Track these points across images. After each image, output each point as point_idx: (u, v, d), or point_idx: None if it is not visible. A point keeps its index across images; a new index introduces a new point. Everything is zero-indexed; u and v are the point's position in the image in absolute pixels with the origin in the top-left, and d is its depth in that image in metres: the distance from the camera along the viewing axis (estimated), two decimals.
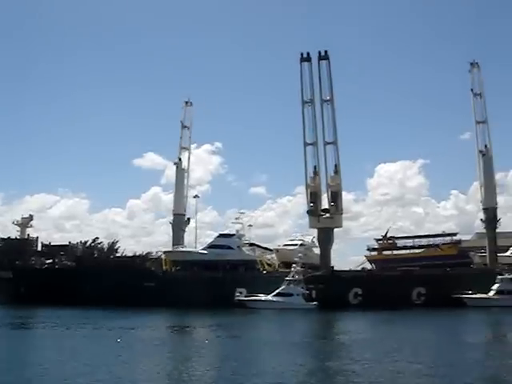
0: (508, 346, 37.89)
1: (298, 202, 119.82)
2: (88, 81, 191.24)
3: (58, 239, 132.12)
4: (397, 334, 43.68)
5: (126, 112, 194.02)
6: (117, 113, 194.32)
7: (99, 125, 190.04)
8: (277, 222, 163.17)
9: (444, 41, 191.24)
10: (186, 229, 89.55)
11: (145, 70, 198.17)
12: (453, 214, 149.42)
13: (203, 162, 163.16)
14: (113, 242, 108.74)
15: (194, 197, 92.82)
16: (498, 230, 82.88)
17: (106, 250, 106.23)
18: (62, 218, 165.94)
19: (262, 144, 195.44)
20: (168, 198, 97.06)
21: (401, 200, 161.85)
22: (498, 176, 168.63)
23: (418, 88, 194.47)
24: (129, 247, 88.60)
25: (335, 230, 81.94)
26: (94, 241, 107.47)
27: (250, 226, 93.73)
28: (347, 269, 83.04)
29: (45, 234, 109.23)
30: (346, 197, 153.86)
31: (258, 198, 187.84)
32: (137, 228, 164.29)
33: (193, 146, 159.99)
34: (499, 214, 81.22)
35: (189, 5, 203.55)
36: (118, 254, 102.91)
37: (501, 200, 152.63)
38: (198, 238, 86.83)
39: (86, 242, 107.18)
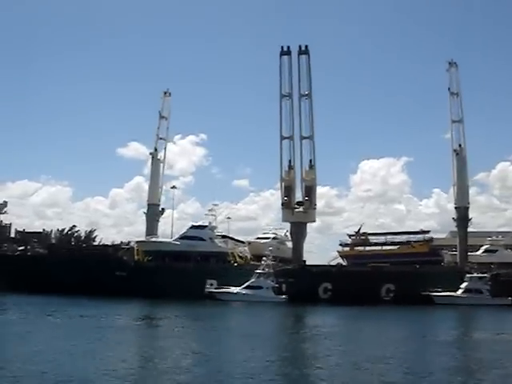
0: (445, 342, 38.32)
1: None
2: (73, 72, 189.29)
3: (39, 226, 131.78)
4: (355, 330, 44.31)
5: (110, 101, 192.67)
6: (102, 102, 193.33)
7: (84, 113, 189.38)
8: (260, 215, 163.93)
9: (428, 36, 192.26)
10: (161, 219, 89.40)
11: (129, 61, 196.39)
12: (434, 212, 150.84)
13: (187, 153, 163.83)
14: (90, 231, 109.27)
15: (172, 187, 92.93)
16: (472, 230, 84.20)
17: (83, 238, 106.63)
18: (43, 205, 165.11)
19: (247, 137, 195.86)
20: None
21: (383, 197, 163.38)
22: (480, 176, 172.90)
23: (403, 85, 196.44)
24: (111, 236, 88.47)
25: (314, 224, 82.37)
26: (71, 229, 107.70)
27: (229, 218, 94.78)
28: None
29: (26, 220, 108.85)
30: (329, 192, 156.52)
31: (242, 190, 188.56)
32: (119, 217, 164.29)
33: (177, 136, 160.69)
34: (480, 214, 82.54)
35: None
36: (95, 243, 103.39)
37: (481, 199, 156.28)
38: (181, 229, 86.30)
39: (63, 230, 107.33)
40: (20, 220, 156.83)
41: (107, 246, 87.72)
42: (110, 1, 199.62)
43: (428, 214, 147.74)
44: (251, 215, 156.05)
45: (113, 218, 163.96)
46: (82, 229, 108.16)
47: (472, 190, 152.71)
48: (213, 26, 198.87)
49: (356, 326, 48.35)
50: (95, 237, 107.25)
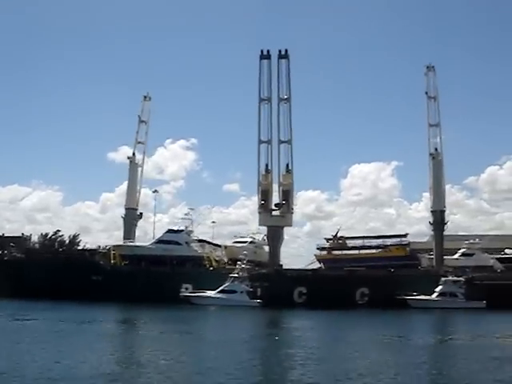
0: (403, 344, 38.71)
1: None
2: (62, 77, 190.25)
3: (29, 231, 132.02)
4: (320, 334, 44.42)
5: (100, 105, 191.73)
6: (91, 106, 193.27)
7: (74, 117, 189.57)
8: (250, 220, 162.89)
9: (416, 38, 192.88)
10: (152, 224, 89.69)
11: (119, 65, 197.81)
12: (424, 216, 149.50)
13: (178, 157, 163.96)
14: (74, 236, 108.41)
15: (154, 191, 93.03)
16: (448, 233, 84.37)
17: (67, 242, 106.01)
18: (34, 209, 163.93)
19: (237, 141, 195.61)
20: (142, 192, 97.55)
21: (373, 201, 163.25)
22: (469, 180, 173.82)
23: (392, 89, 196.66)
24: (101, 241, 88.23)
25: (304, 228, 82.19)
26: (55, 233, 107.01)
27: (214, 222, 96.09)
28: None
29: (17, 225, 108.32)
30: (320, 196, 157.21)
31: (232, 194, 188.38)
32: (109, 222, 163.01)
33: (168, 140, 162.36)
34: (470, 218, 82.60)
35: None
36: (79, 247, 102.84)
37: (471, 203, 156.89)
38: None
39: (46, 235, 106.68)
40: (10, 225, 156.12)
41: (84, 250, 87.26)
42: (100, 7, 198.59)
43: (418, 218, 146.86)
44: (241, 219, 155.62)
45: (103, 223, 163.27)
46: (67, 233, 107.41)
47: (462, 194, 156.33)
48: (201, 30, 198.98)
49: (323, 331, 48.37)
50: (79, 241, 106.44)
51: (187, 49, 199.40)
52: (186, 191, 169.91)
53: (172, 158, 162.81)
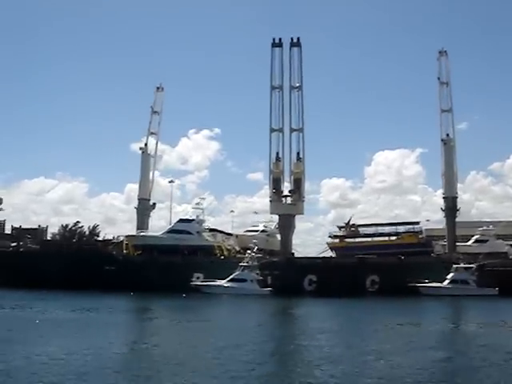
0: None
1: None
2: (86, 69, 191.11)
3: (55, 223, 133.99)
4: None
5: (125, 96, 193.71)
6: (116, 97, 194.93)
7: (98, 109, 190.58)
8: None
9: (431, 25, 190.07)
10: (161, 214, 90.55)
11: (141, 61, 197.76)
12: None
13: (202, 147, 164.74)
14: (94, 226, 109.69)
15: (170, 182, 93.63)
16: (462, 219, 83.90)
17: (87, 234, 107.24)
18: (60, 201, 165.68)
19: (260, 130, 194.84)
20: (165, 183, 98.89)
21: (398, 188, 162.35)
22: (494, 166, 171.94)
23: (415, 76, 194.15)
24: (126, 232, 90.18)
25: (328, 216, 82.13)
26: (75, 224, 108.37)
27: (232, 211, 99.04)
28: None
29: (43, 217, 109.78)
30: (344, 184, 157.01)
31: (256, 183, 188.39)
32: (134, 212, 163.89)
33: (191, 131, 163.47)
34: (496, 204, 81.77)
35: None
36: (98, 239, 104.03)
37: (496, 189, 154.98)
38: None
39: (66, 226, 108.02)
40: (37, 217, 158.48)
41: (97, 240, 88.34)
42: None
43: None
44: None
45: (128, 213, 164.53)
46: (83, 224, 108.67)
47: (487, 180, 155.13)
48: (217, 23, 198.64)
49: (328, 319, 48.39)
50: (99, 232, 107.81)
51: (201, 39, 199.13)
52: (211, 181, 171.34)
53: (196, 148, 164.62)
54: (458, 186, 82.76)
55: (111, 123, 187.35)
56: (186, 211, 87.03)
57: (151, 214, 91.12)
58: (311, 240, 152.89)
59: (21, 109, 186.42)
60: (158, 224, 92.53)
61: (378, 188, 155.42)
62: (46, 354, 25.72)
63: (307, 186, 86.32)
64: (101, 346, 28.64)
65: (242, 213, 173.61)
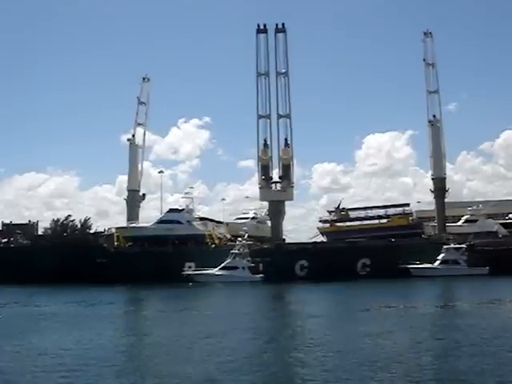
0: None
1: None
2: (74, 62, 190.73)
3: (48, 217, 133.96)
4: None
5: (113, 87, 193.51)
6: (104, 89, 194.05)
7: (87, 101, 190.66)
8: None
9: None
10: (153, 204, 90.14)
11: (128, 52, 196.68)
12: None
13: (192, 136, 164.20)
14: (85, 220, 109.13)
15: (159, 172, 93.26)
16: (451, 200, 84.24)
17: (78, 227, 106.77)
18: (52, 196, 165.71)
19: (250, 117, 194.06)
20: (156, 174, 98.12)
21: (389, 171, 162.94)
22: (484, 146, 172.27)
23: (404, 57, 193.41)
24: (119, 223, 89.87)
25: (321, 201, 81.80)
26: (66, 218, 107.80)
27: (223, 199, 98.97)
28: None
29: (35, 212, 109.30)
30: (335, 169, 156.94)
31: (248, 171, 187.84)
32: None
33: (181, 120, 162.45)
34: (487, 183, 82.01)
35: None
36: (91, 232, 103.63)
37: (487, 169, 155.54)
38: None
39: (58, 220, 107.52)
40: (29, 212, 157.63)
41: (88, 233, 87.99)
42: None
43: None
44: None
45: (120, 205, 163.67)
46: (75, 218, 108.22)
47: (477, 160, 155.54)
48: (203, 11, 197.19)
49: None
50: (91, 225, 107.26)
51: (187, 29, 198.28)
52: (202, 170, 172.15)
53: (186, 138, 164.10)
54: (449, 166, 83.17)
55: (101, 115, 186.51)
56: (177, 201, 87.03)
57: (142, 204, 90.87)
58: (305, 225, 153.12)
59: (8, 104, 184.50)
60: (151, 214, 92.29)
61: (370, 171, 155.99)
62: (36, 347, 25.82)
63: (298, 171, 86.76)
64: (91, 338, 28.87)
65: (234, 201, 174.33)
